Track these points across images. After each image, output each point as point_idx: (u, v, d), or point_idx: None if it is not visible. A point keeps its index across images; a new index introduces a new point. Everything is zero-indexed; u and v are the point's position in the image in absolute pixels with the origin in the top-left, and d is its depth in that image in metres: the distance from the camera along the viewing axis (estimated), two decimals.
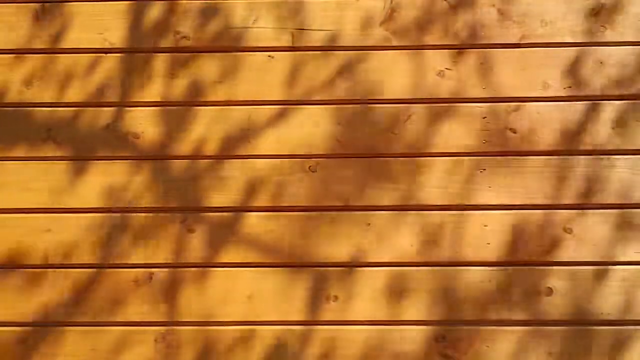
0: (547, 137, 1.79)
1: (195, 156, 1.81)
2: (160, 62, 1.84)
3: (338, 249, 1.78)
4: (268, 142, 1.81)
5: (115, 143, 1.82)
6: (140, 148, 1.82)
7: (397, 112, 1.81)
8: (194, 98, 1.83)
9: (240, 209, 1.79)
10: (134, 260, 1.79)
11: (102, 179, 1.81)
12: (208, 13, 1.85)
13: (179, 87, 1.83)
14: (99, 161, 1.81)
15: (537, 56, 1.81)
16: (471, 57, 1.82)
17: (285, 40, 1.84)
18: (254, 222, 1.79)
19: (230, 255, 1.78)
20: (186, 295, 1.78)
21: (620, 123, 1.79)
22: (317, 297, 1.77)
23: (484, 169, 1.79)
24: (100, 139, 1.82)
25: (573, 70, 1.80)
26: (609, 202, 1.77)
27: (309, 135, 1.81)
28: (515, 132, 1.80)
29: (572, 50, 1.81)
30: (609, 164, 1.78)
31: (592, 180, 1.77)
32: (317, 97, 1.82)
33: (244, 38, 1.84)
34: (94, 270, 1.79)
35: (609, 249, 1.76)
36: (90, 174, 1.81)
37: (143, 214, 1.80)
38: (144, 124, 1.82)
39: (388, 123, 1.80)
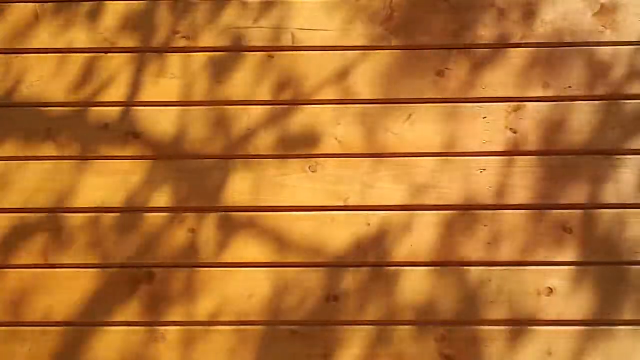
0: (547, 137, 1.79)
1: (194, 156, 1.81)
2: (159, 61, 1.84)
3: (338, 249, 1.78)
4: (268, 142, 1.81)
5: (114, 142, 1.82)
6: (140, 147, 1.82)
7: (397, 112, 1.81)
8: (194, 98, 1.83)
9: (240, 209, 1.79)
10: (134, 260, 1.79)
11: (101, 179, 1.81)
12: (208, 12, 1.85)
13: (178, 86, 1.83)
14: (99, 160, 1.81)
15: (537, 56, 1.81)
16: (471, 57, 1.82)
17: (285, 40, 1.84)
18: (253, 221, 1.79)
19: (230, 255, 1.78)
20: (186, 295, 1.77)
21: (620, 123, 1.79)
22: (316, 297, 1.77)
23: (484, 169, 1.79)
24: (99, 138, 1.82)
25: (573, 70, 1.80)
26: (609, 202, 1.77)
27: (309, 135, 1.81)
28: (515, 132, 1.80)
29: (572, 50, 1.81)
30: (609, 163, 1.78)
31: (592, 180, 1.77)
32: (317, 97, 1.82)
33: (243, 38, 1.84)
34: (94, 269, 1.79)
35: (609, 249, 1.76)
36: (90, 173, 1.81)
37: (143, 214, 1.80)
38: (143, 123, 1.82)
39: (388, 123, 1.80)
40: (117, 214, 1.80)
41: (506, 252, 1.76)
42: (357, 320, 1.76)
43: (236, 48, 1.84)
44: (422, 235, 1.77)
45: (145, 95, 1.83)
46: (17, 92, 1.84)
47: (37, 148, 1.82)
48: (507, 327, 1.75)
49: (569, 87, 1.80)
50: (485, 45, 1.82)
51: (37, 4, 1.86)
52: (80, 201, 1.80)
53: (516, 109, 1.80)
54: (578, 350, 1.74)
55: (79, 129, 1.82)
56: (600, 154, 1.78)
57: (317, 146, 1.81)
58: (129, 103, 1.83)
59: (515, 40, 1.82)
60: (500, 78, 1.81)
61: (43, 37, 1.86)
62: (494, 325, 1.75)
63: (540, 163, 1.79)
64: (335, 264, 1.77)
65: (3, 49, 1.85)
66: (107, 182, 1.81)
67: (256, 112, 1.82)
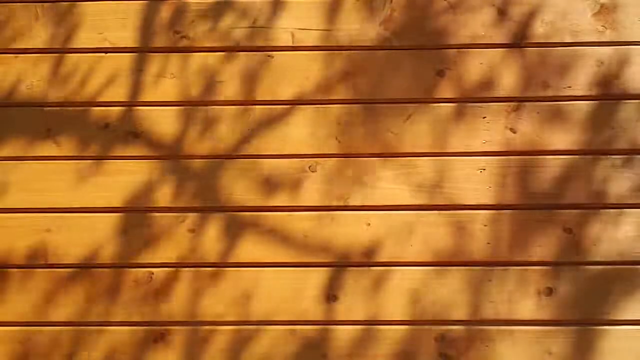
0: (547, 137, 1.79)
1: (194, 156, 1.81)
2: (159, 61, 1.84)
3: (338, 249, 1.78)
4: (268, 142, 1.81)
5: (114, 143, 1.82)
6: (139, 148, 1.82)
7: (397, 112, 1.81)
8: (193, 98, 1.83)
9: (240, 209, 1.79)
10: (134, 260, 1.79)
11: (101, 179, 1.81)
12: (207, 13, 1.85)
13: (178, 87, 1.83)
14: (98, 161, 1.81)
15: (537, 56, 1.81)
16: (471, 57, 1.82)
17: (285, 40, 1.84)
18: (253, 222, 1.79)
19: (229, 255, 1.78)
20: (186, 295, 1.77)
21: (620, 123, 1.79)
22: (316, 297, 1.77)
23: (484, 169, 1.79)
24: (99, 138, 1.82)
25: (573, 70, 1.81)
26: (609, 202, 1.77)
27: (309, 135, 1.81)
28: (515, 132, 1.80)
29: (572, 50, 1.81)
30: (609, 164, 1.78)
31: (592, 180, 1.77)
32: (317, 97, 1.82)
33: (243, 38, 1.84)
34: (94, 270, 1.79)
35: (609, 249, 1.76)
36: (90, 173, 1.81)
37: (143, 214, 1.80)
38: (143, 123, 1.82)
39: (388, 123, 1.81)
40: (117, 214, 1.80)
41: (506, 252, 1.76)
42: (357, 320, 1.76)
43: (236, 48, 1.84)
44: (422, 235, 1.77)
45: (146, 95, 1.83)
46: (17, 92, 1.84)
47: (37, 148, 1.82)
48: (507, 327, 1.75)
49: (569, 87, 1.80)
50: (485, 45, 1.82)
51: (37, 4, 1.86)
52: (80, 201, 1.80)
53: (516, 109, 1.80)
54: (578, 350, 1.74)
55: (79, 129, 1.82)
56: (601, 154, 1.78)
57: (317, 146, 1.81)
58: (129, 103, 1.83)
59: (515, 40, 1.82)
60: (500, 78, 1.81)
61: (43, 37, 1.86)
62: (494, 325, 1.75)
63: (540, 163, 1.79)
64: (336, 264, 1.78)
65: (3, 49, 1.85)
66: (107, 182, 1.81)
67: (256, 112, 1.82)
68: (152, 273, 1.78)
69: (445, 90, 1.81)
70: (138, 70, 1.84)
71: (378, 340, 1.75)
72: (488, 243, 1.77)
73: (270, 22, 1.84)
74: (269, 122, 1.82)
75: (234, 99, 1.83)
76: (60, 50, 1.85)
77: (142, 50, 1.85)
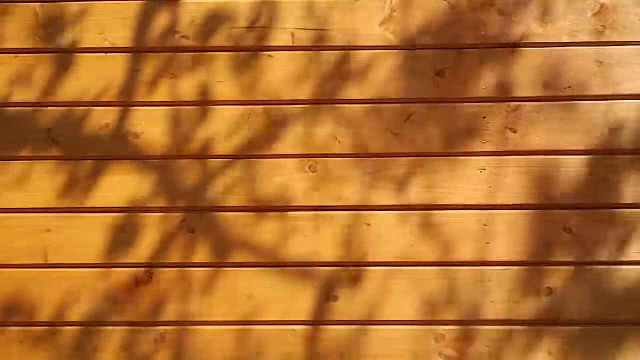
0: (547, 137, 1.79)
1: (194, 156, 1.81)
2: (159, 62, 1.84)
3: (338, 249, 1.78)
4: (267, 142, 1.81)
5: (114, 143, 1.82)
6: (139, 148, 1.82)
7: (397, 112, 1.81)
8: (193, 98, 1.83)
9: (240, 209, 1.79)
10: (134, 260, 1.79)
11: (101, 179, 1.81)
12: (208, 13, 1.85)
13: (178, 87, 1.83)
14: (98, 161, 1.81)
15: (537, 56, 1.81)
16: (471, 57, 1.82)
17: (285, 40, 1.84)
18: (253, 221, 1.79)
19: (229, 255, 1.78)
20: (186, 295, 1.78)
21: (619, 123, 1.79)
22: (317, 297, 1.77)
23: (484, 169, 1.79)
24: (99, 139, 1.82)
25: (573, 70, 1.80)
26: (608, 201, 1.77)
27: (309, 135, 1.81)
28: (515, 132, 1.80)
29: (572, 50, 1.81)
30: (609, 163, 1.78)
31: (591, 180, 1.77)
32: (317, 97, 1.82)
33: (243, 38, 1.84)
34: (94, 270, 1.79)
35: (609, 249, 1.76)
36: (90, 174, 1.81)
37: (143, 214, 1.80)
38: (143, 123, 1.82)
39: (388, 123, 1.81)
40: (117, 214, 1.80)
41: (506, 252, 1.76)
42: (357, 320, 1.76)
43: (236, 48, 1.84)
44: (422, 235, 1.77)
45: (145, 95, 1.83)
46: (17, 92, 1.84)
47: (37, 148, 1.82)
48: (506, 327, 1.75)
49: (569, 87, 1.80)
50: (485, 45, 1.82)
51: (37, 4, 1.86)
52: (80, 201, 1.80)
53: (516, 109, 1.80)
54: (577, 350, 1.74)
55: (78, 129, 1.82)
56: (600, 153, 1.78)
57: (317, 146, 1.81)
58: (129, 103, 1.83)
59: (515, 40, 1.82)
60: (500, 78, 1.81)
61: (43, 36, 1.85)
62: (493, 325, 1.75)
63: (540, 163, 1.79)
64: (336, 264, 1.78)
65: (4, 49, 1.85)
66: (106, 182, 1.81)
67: (256, 112, 1.82)
68: (152, 273, 1.78)
69: (445, 90, 1.81)
70: (138, 70, 1.84)
71: (378, 340, 1.75)
72: (488, 243, 1.77)
73: (270, 22, 1.84)
74: (269, 122, 1.81)
75: (233, 99, 1.82)
76: (59, 50, 1.85)
77: (142, 50, 1.84)
